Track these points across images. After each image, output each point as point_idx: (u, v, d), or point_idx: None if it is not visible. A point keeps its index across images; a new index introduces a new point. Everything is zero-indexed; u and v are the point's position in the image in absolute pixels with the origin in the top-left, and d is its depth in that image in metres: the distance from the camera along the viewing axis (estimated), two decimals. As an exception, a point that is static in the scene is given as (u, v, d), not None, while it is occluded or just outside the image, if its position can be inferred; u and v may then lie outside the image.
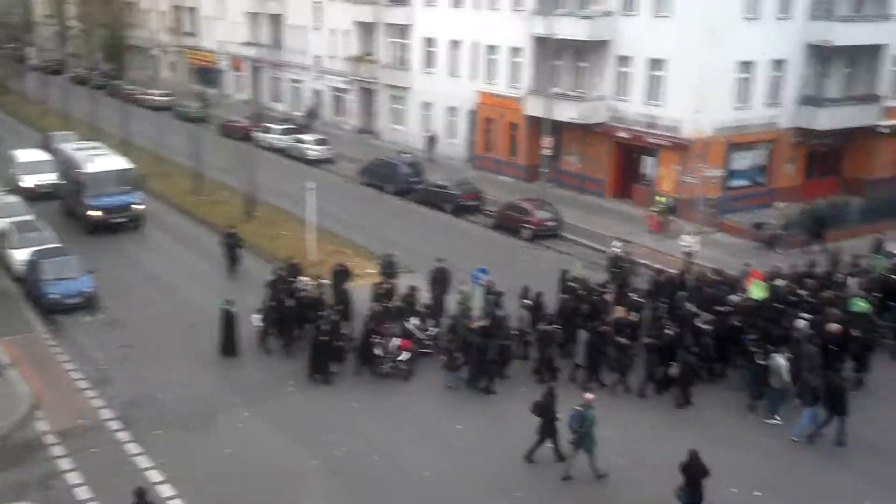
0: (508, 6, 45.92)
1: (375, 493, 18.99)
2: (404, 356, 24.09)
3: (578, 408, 18.99)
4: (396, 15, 54.37)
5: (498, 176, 46.98)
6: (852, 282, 26.77)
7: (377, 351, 24.11)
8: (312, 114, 62.38)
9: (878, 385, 23.08)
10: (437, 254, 30.10)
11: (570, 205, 40.40)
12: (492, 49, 47.55)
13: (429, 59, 52.63)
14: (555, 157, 43.21)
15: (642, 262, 32.38)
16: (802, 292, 25.79)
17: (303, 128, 57.88)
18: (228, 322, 25.23)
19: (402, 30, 54.66)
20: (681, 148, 38.40)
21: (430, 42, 52.34)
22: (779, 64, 39.50)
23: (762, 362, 21.75)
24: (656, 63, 39.33)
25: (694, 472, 16.97)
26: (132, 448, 20.45)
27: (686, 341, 22.90)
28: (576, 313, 24.88)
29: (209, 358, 25.18)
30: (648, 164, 40.91)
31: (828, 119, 39.95)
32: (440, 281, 27.87)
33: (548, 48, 41.00)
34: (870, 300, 25.04)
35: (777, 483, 19.05)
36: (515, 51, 45.88)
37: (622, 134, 40.92)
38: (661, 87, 39.31)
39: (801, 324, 23.10)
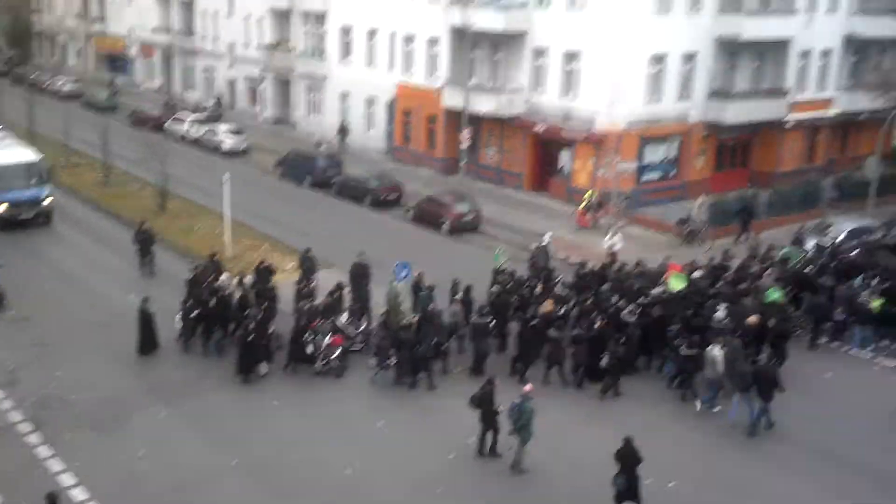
0: (427, -3, 45.92)
1: (296, 492, 18.83)
2: (336, 354, 23.89)
3: (517, 399, 19.17)
4: (312, 2, 53.76)
5: (417, 169, 46.97)
6: (767, 273, 27.52)
7: (309, 349, 23.86)
8: (219, 102, 61.38)
9: (794, 375, 23.86)
10: (356, 248, 29.92)
11: (488, 198, 40.68)
12: (409, 39, 47.46)
13: (346, 49, 52.24)
14: (473, 150, 43.43)
15: (565, 256, 32.76)
16: (719, 284, 26.59)
17: (215, 118, 56.89)
18: (146, 320, 24.68)
19: (319, 18, 54.10)
20: (595, 141, 39.00)
21: (346, 31, 51.95)
22: (689, 58, 40.37)
23: (687, 352, 22.34)
24: (571, 56, 39.82)
25: (628, 459, 17.32)
26: (43, 451, 19.82)
27: (615, 333, 23.30)
28: (506, 306, 25.06)
29: (124, 357, 24.57)
30: (565, 158, 41.41)
31: (736, 113, 41.03)
32: (360, 275, 27.75)
33: (465, 40, 41.14)
34: (784, 291, 25.84)
35: (693, 471, 19.58)
36: (433, 42, 45.88)
37: (538, 127, 41.34)
38: (575, 80, 39.82)
39: (719, 314, 23.74)
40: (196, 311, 24.92)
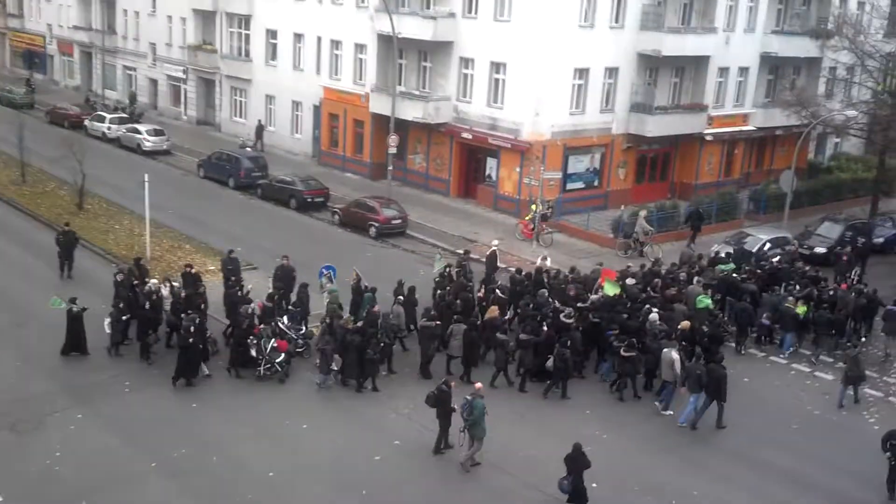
0: (352, 2, 45.81)
1: (217, 495, 18.58)
2: (281, 358, 23.59)
3: (468, 397, 19.47)
4: (237, 4, 53.16)
5: (344, 173, 46.79)
6: (697, 280, 28.31)
7: (253, 353, 23.50)
8: (132, 99, 60.25)
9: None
10: (280, 250, 29.75)
11: (415, 203, 40.76)
12: (336, 44, 47.31)
13: (272, 52, 51.79)
14: (401, 156, 43.49)
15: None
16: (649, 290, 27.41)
17: (137, 116, 55.82)
18: (75, 322, 23.97)
19: (243, 20, 53.52)
20: (521, 150, 39.46)
21: (272, 34, 51.49)
22: (612, 72, 41.15)
23: (626, 354, 23.00)
24: (497, 66, 40.22)
25: (576, 464, 17.56)
26: (-47, 454, 19.24)
27: (558, 337, 23.67)
28: (450, 308, 25.28)
29: (39, 359, 23.91)
30: (491, 165, 41.78)
31: (656, 126, 41.94)
32: (284, 278, 27.53)
33: (392, 46, 41.21)
34: (712, 297, 26.78)
35: (615, 474, 19.94)
36: (360, 47, 45.83)
37: (465, 135, 41.63)
38: (502, 89, 40.23)
39: (654, 317, 24.38)
40: (127, 316, 24.32)
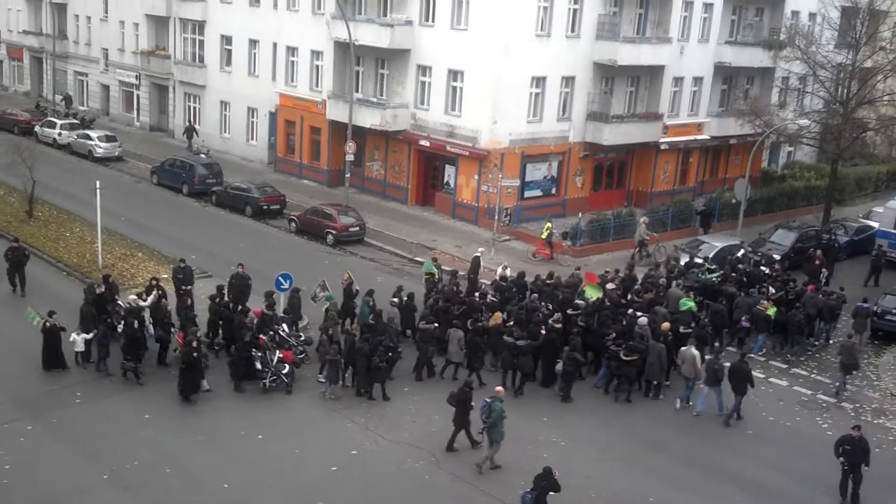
0: (308, 9, 45.50)
1: (171, 507, 18.26)
2: (287, 369, 23.22)
3: (488, 399, 19.79)
4: (191, 10, 52.60)
5: (300, 180, 46.41)
6: (676, 283, 29.07)
7: (258, 365, 23.09)
8: (68, 100, 59.28)
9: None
10: (236, 258, 29.35)
11: (373, 211, 40.53)
12: (292, 51, 46.97)
13: (226, 58, 51.28)
14: (358, 163, 43.26)
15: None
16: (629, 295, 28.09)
17: (89, 122, 54.93)
18: (52, 335, 23.22)
19: (197, 25, 52.94)
20: (479, 158, 39.45)
21: (227, 40, 51.00)
22: (568, 81, 41.34)
23: (628, 357, 23.47)
24: (455, 74, 40.20)
25: (545, 485, 17.47)
26: None
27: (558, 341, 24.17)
28: (448, 312, 25.34)
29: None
30: (450, 173, 41.72)
31: (612, 134, 42.16)
32: (240, 287, 27.15)
33: (349, 53, 41.01)
34: (694, 300, 27.30)
35: (579, 480, 19.92)
36: (316, 54, 45.53)
37: (423, 142, 41.52)
38: (459, 97, 40.21)
39: (642, 321, 24.76)
40: (110, 334, 23.74)
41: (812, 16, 48.22)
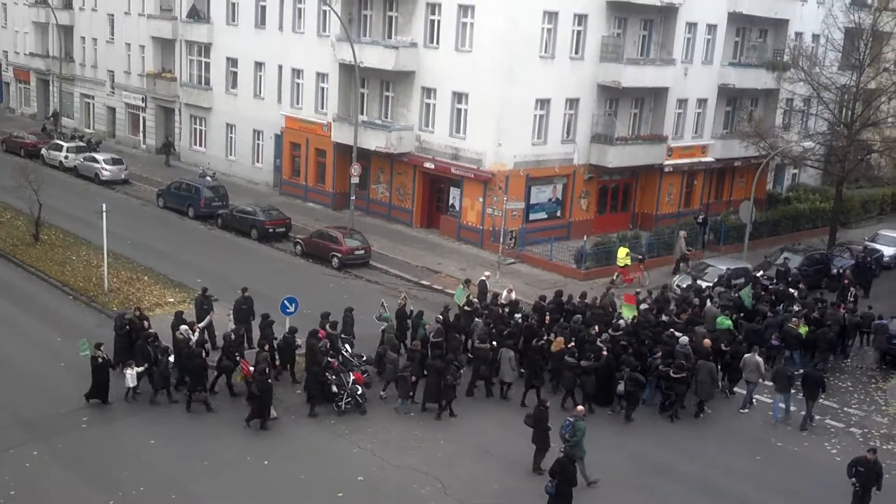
0: (313, 31, 45.71)
1: (178, 535, 18.19)
2: (361, 391, 23.50)
3: (570, 419, 20.22)
4: (197, 32, 52.91)
5: (306, 202, 46.47)
6: (714, 303, 29.69)
7: (334, 388, 23.29)
8: (55, 117, 59.46)
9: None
10: (242, 281, 29.34)
11: (378, 233, 40.55)
12: (297, 73, 47.16)
13: (232, 80, 51.53)
14: (363, 185, 43.33)
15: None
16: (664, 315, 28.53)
17: (95, 145, 55.14)
18: (101, 370, 23.06)
19: (203, 48, 53.23)
20: (484, 180, 39.52)
21: (232, 62, 51.27)
22: (572, 102, 41.45)
23: (677, 375, 24.01)
24: (459, 96, 40.33)
25: (562, 478, 18.40)
26: None
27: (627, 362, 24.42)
28: (500, 333, 25.61)
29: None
30: (454, 195, 41.76)
31: (617, 156, 42.23)
32: (245, 310, 27.15)
33: (354, 76, 41.14)
34: (731, 318, 28.02)
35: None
36: (322, 76, 45.71)
37: (428, 164, 41.59)
38: (464, 119, 40.32)
39: (683, 340, 25.16)
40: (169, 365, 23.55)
41: (815, 37, 48.32)
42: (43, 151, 53.32)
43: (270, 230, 39.78)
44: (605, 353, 24.31)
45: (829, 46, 44.33)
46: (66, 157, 51.81)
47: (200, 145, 54.65)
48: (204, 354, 23.53)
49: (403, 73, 41.81)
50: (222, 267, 35.11)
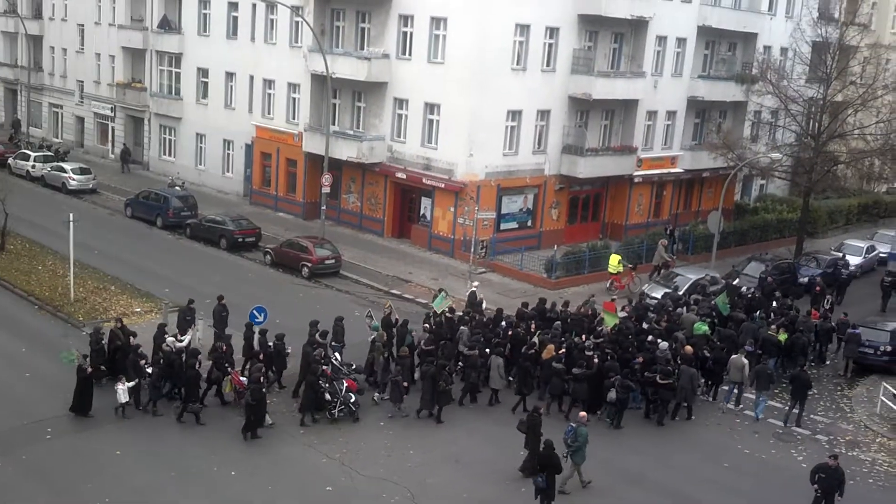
0: (286, 41, 45.62)
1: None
2: (354, 398, 23.58)
3: (573, 424, 20.57)
4: (167, 42, 52.60)
5: (276, 212, 46.29)
6: (691, 310, 30.17)
7: (328, 396, 23.30)
8: (16, 125, 58.79)
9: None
10: (211, 291, 29.19)
11: (349, 243, 40.42)
12: (269, 83, 47.04)
13: (202, 90, 51.28)
14: (335, 195, 43.23)
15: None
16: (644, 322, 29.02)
17: (63, 154, 54.64)
18: (87, 381, 22.83)
19: (174, 58, 52.94)
20: (455, 190, 39.57)
21: (203, 72, 51.03)
22: (544, 114, 41.64)
23: (664, 381, 24.42)
24: (431, 107, 40.39)
25: (550, 469, 19.08)
26: None
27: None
28: (487, 341, 26.06)
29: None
30: (426, 205, 41.77)
31: (587, 167, 42.45)
32: (225, 317, 26.99)
33: (326, 86, 41.12)
34: (710, 323, 28.78)
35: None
36: (293, 86, 45.63)
37: (400, 174, 41.59)
38: (436, 130, 40.37)
39: (663, 346, 25.83)
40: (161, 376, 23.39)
41: (784, 51, 48.98)
42: (10, 161, 52.74)
43: (240, 240, 39.56)
44: (595, 360, 24.63)
45: (796, 60, 44.96)
46: (33, 167, 51.26)
47: (170, 155, 54.28)
48: (197, 366, 23.38)
49: (376, 83, 41.83)
50: (191, 277, 34.85)
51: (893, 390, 26.61)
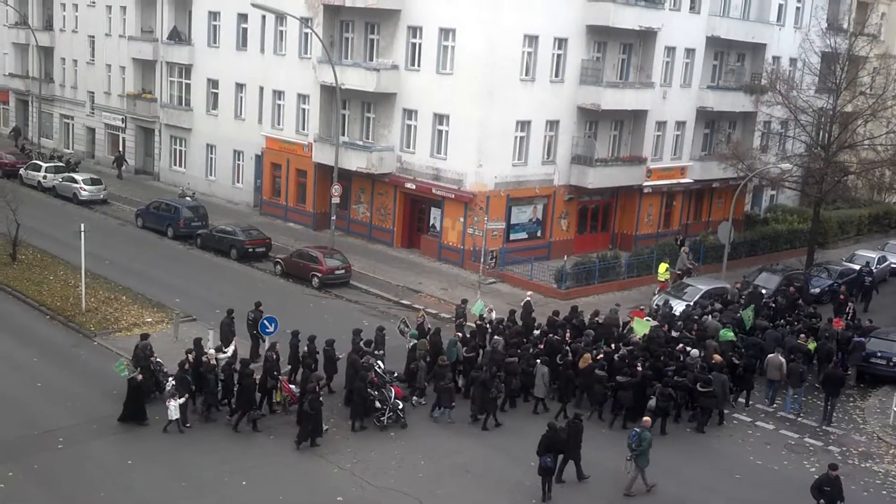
0: (295, 53, 45.83)
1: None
2: (402, 405, 24.05)
3: (637, 429, 21.11)
4: (178, 54, 52.88)
5: (286, 223, 46.39)
6: (713, 317, 30.46)
7: (377, 404, 23.68)
8: (16, 132, 58.91)
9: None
10: (221, 301, 29.27)
11: (359, 253, 40.48)
12: (278, 94, 47.22)
13: (213, 101, 51.50)
14: (344, 206, 43.31)
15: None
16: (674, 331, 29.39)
17: (74, 165, 54.90)
18: (137, 391, 23.14)
19: (184, 69, 53.20)
20: (464, 200, 39.60)
21: (213, 83, 51.25)
22: (553, 124, 41.68)
23: (704, 390, 24.82)
24: (440, 118, 40.46)
25: (554, 443, 20.37)
26: None
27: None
28: (518, 347, 26.48)
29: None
30: (435, 216, 41.81)
31: (597, 178, 42.43)
32: (229, 331, 27.01)
33: (335, 97, 41.25)
34: (734, 331, 29.01)
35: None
36: (303, 97, 45.80)
37: (409, 185, 41.64)
38: (445, 141, 40.44)
39: (694, 353, 26.35)
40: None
41: (793, 61, 48.92)
42: (21, 171, 52.98)
43: (250, 250, 39.64)
44: (639, 368, 24.93)
45: (805, 70, 44.87)
46: (44, 177, 51.49)
47: (180, 166, 54.49)
48: (254, 375, 23.60)
49: (385, 94, 41.94)
50: (201, 287, 34.94)
51: (906, 401, 26.51)
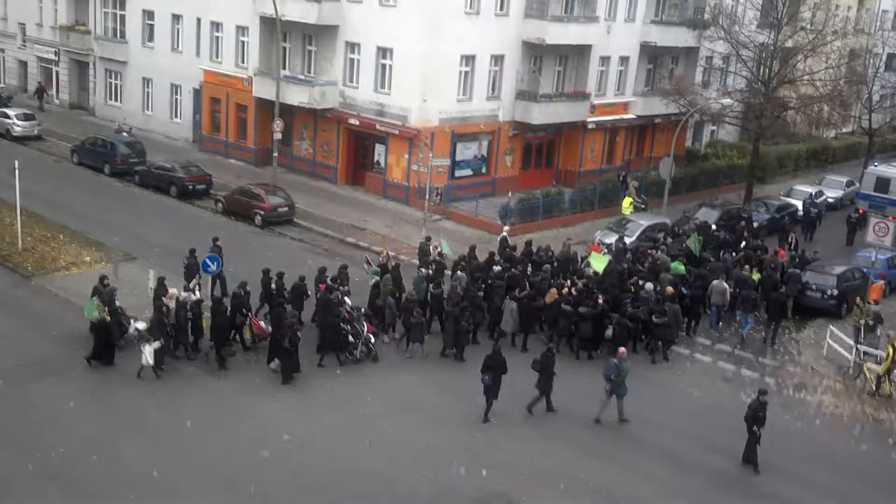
0: (234, -17, 44.63)
1: (99, 496, 17.88)
2: (373, 339, 24.46)
3: (615, 361, 21.73)
4: (112, -15, 51.16)
5: (227, 159, 45.60)
6: (662, 251, 31.34)
7: (350, 338, 23.86)
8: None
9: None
10: (161, 240, 28.85)
11: (302, 191, 40.01)
12: (217, 26, 45.96)
13: (148, 33, 50.00)
14: (287, 142, 42.67)
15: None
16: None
17: (6, 100, 53.07)
18: (110, 330, 22.95)
19: (118, 0, 51.46)
20: (409, 137, 39.29)
21: (149, 14, 49.71)
22: (497, 59, 41.36)
23: (659, 321, 25.70)
24: (384, 51, 39.88)
25: (496, 366, 21.22)
26: None
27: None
28: (483, 282, 27.04)
29: None
30: (380, 152, 41.45)
31: (541, 114, 42.37)
32: (195, 269, 26.60)
33: (276, 29, 40.27)
34: (683, 263, 29.91)
35: (509, 460, 20.12)
36: (242, 30, 44.64)
37: (353, 121, 41.15)
38: (388, 75, 39.91)
39: (648, 287, 26.99)
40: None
41: (736, -5, 49.01)
42: (-50, 107, 51.13)
43: (190, 187, 38.95)
44: (600, 301, 25.50)
45: (748, 5, 45.07)
46: (-26, 114, 49.74)
47: (116, 100, 53.08)
48: (227, 312, 23.52)
49: (327, 27, 41.12)
50: (141, 225, 34.33)
51: (839, 333, 27.32)
